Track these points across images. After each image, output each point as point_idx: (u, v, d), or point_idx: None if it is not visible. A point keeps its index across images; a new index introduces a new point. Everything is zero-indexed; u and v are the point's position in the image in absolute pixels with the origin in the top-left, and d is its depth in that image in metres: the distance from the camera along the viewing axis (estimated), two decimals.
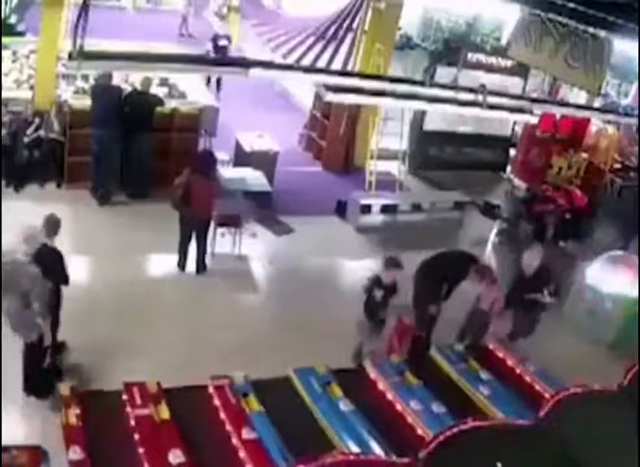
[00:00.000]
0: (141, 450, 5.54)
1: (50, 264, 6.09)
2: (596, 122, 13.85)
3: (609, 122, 13.50)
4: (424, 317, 7.52)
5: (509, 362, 7.82)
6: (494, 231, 11.67)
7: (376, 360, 7.31)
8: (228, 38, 15.07)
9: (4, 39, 11.15)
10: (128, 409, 5.97)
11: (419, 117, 13.36)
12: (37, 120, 9.92)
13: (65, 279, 6.37)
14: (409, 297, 7.53)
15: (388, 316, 7.31)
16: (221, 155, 11.30)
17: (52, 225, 6.35)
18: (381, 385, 7.07)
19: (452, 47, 13.47)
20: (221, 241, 9.19)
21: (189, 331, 7.50)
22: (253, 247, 9.50)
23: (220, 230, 9.18)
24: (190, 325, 7.59)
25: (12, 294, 5.80)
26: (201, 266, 8.74)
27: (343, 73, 9.84)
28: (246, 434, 5.90)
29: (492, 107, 7.91)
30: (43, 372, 6.12)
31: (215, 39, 14.84)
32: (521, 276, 7.75)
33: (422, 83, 7.89)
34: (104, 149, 9.61)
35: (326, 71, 10.22)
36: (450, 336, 7.92)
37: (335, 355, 7.37)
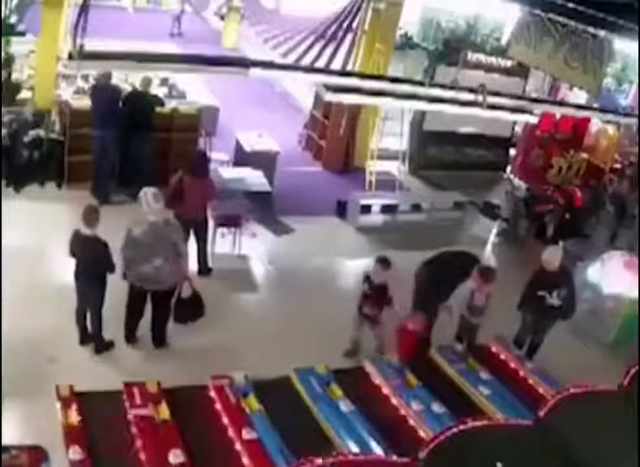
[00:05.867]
0: (141, 450, 5.55)
1: (93, 253, 6.54)
2: (596, 122, 13.85)
3: (609, 122, 13.50)
4: (425, 317, 7.51)
5: (509, 362, 7.82)
6: (494, 231, 11.67)
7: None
8: None
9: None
10: (128, 409, 5.98)
11: (419, 117, 13.35)
12: (37, 120, 9.93)
13: (111, 268, 6.66)
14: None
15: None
16: (221, 155, 11.34)
17: (92, 215, 6.56)
18: (381, 385, 7.07)
19: (452, 47, 13.45)
20: (221, 241, 9.19)
21: (188, 330, 7.49)
22: (253, 247, 9.50)
23: (220, 230, 9.19)
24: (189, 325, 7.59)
25: (167, 247, 6.62)
26: (204, 268, 8.67)
27: (343, 73, 9.83)
28: (247, 434, 5.91)
29: (492, 107, 7.90)
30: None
31: None
32: (539, 273, 7.71)
33: (422, 84, 7.88)
34: (104, 149, 9.61)
35: (326, 70, 10.22)
36: (449, 336, 7.92)
37: (335, 354, 7.38)
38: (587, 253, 10.67)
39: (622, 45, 9.05)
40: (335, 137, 12.53)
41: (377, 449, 5.97)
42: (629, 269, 8.87)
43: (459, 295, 7.54)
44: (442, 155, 13.94)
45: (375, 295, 7.29)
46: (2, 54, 10.08)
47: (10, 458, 4.70)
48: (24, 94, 10.64)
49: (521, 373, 7.65)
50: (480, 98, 7.63)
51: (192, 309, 7.17)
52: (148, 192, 6.71)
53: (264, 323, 7.93)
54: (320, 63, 12.79)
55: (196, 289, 7.09)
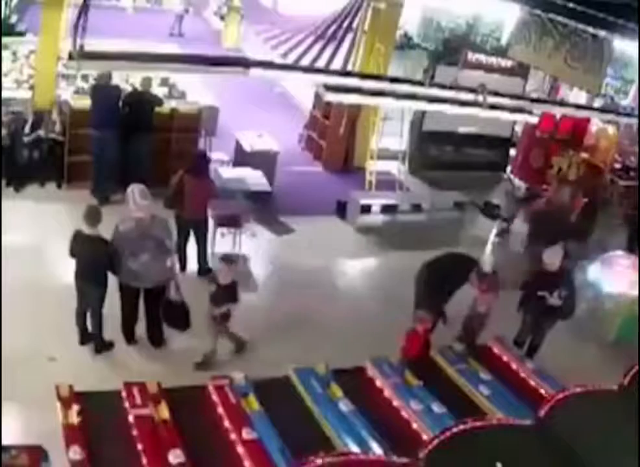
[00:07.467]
0: (141, 450, 5.55)
1: (95, 253, 6.61)
2: (596, 122, 13.85)
3: (609, 122, 13.49)
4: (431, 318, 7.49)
5: (510, 362, 7.82)
6: (494, 231, 11.67)
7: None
8: None
9: (4, 39, 11.14)
10: (128, 409, 5.97)
11: (419, 117, 13.35)
12: (37, 120, 9.93)
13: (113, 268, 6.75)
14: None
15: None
16: (221, 155, 11.34)
17: (93, 215, 6.60)
18: (381, 385, 7.07)
19: (452, 47, 13.46)
20: (221, 241, 9.19)
21: (187, 330, 7.49)
22: (253, 247, 9.50)
23: (220, 230, 9.18)
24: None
25: (153, 243, 6.70)
26: (204, 268, 8.67)
27: (343, 73, 9.82)
28: (246, 434, 5.90)
29: (492, 107, 7.90)
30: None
31: None
32: (539, 273, 7.72)
33: (422, 84, 7.88)
34: (104, 149, 9.61)
35: (326, 71, 10.21)
36: (449, 336, 7.91)
37: (335, 354, 7.37)
38: (587, 253, 10.68)
39: (622, 45, 9.03)
40: (335, 137, 12.53)
41: (377, 449, 5.96)
42: (629, 269, 8.87)
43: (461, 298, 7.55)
44: (442, 155, 13.93)
45: (224, 296, 7.05)
46: None
47: (10, 458, 4.70)
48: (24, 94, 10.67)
49: (521, 373, 7.64)
50: (480, 98, 7.63)
51: (178, 317, 7.12)
52: (135, 189, 6.76)
53: (264, 323, 7.92)
54: (321, 63, 12.80)
55: (185, 301, 7.04)
